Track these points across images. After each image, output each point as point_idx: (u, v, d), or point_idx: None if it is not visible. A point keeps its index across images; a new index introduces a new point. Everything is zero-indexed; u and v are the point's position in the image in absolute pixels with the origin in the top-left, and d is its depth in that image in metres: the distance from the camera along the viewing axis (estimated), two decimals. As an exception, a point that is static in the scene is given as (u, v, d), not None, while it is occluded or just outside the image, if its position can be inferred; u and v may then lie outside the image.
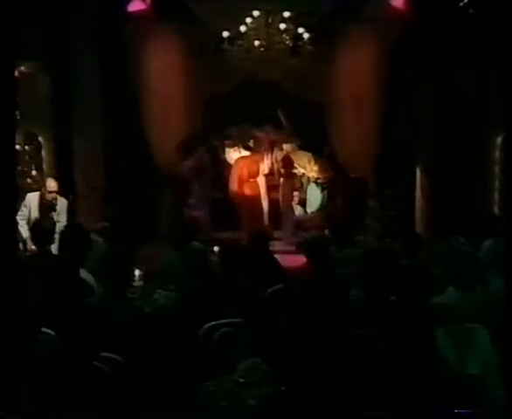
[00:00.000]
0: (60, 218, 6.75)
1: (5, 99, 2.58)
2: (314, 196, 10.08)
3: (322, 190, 9.98)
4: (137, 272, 4.99)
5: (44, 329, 3.08)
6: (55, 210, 6.84)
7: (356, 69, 8.99)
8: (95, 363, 2.83)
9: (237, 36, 7.93)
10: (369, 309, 3.50)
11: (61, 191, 7.08)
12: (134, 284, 4.87)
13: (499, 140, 8.16)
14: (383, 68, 8.82)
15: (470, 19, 8.24)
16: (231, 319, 3.89)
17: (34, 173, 8.16)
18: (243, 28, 7.84)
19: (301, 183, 10.32)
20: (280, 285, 4.71)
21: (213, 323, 3.90)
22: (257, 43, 7.79)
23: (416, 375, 2.50)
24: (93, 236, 4.97)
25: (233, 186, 9.38)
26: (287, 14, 7.85)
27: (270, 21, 7.90)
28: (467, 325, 3.20)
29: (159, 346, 3.73)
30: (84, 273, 4.27)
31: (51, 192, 6.91)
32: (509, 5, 2.76)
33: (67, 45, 8.40)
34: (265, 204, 9.44)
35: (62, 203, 7.00)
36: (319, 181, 9.98)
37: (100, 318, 2.98)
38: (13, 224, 2.70)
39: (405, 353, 2.66)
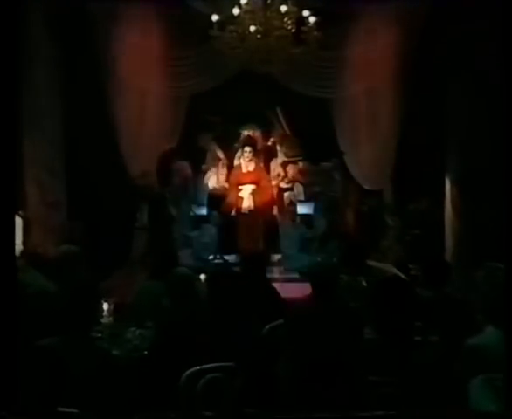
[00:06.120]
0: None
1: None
2: (320, 213, 10.07)
3: (330, 205, 9.97)
4: (105, 306, 4.97)
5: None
6: None
7: (371, 60, 9.03)
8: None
9: (228, 20, 7.93)
10: (386, 351, 3.46)
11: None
12: (102, 320, 4.85)
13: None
14: (403, 58, 8.85)
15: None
16: (220, 364, 3.88)
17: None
18: (236, 10, 7.84)
19: (304, 196, 10.32)
20: (280, 321, 4.71)
21: (198, 368, 3.88)
22: (253, 28, 7.79)
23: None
24: (52, 262, 4.95)
25: (220, 200, 9.38)
26: (289, -6, 7.89)
27: (269, 2, 7.91)
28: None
29: (131, 397, 3.69)
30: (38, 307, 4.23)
31: None
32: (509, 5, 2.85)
33: (19, 29, 8.32)
34: (259, 222, 9.43)
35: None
36: (325, 194, 9.98)
37: (57, 363, 2.93)
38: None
39: (432, 408, 2.62)
